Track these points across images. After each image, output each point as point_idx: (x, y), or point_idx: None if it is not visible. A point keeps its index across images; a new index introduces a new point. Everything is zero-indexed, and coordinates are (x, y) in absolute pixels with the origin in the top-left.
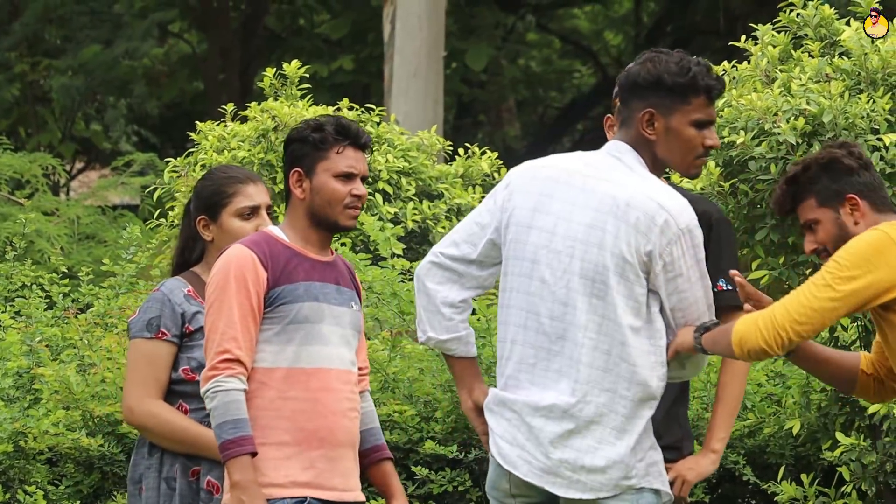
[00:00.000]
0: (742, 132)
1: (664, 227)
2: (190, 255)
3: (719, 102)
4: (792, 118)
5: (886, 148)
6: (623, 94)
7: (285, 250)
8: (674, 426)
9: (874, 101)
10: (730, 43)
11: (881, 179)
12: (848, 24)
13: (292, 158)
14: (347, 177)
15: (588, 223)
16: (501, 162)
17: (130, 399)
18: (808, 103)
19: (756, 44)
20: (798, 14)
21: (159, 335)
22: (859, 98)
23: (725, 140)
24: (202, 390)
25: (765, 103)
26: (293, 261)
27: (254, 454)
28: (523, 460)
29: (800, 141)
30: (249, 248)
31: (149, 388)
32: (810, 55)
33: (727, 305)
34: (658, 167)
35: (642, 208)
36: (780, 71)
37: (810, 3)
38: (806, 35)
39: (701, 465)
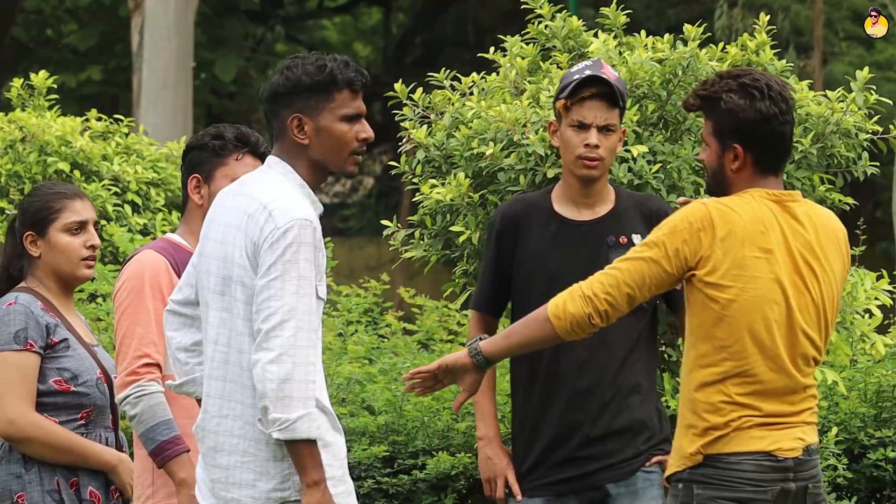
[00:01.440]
0: (491, 143)
1: (263, 226)
2: (16, 272)
3: (468, 113)
4: (541, 129)
5: (634, 159)
6: (269, 107)
7: (189, 256)
8: (663, 421)
9: None
10: (479, 55)
11: (781, 135)
12: (596, 35)
13: (191, 165)
14: None
15: (219, 239)
16: None
17: (11, 411)
18: None
19: (505, 55)
20: (546, 26)
21: (28, 347)
22: None
23: (475, 151)
24: (121, 395)
25: (514, 115)
26: None
27: (188, 451)
28: (204, 484)
29: (549, 152)
30: (160, 254)
31: (27, 400)
32: (559, 67)
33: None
34: (316, 171)
35: (250, 211)
36: (529, 82)
37: (558, 15)
38: (554, 47)
39: None
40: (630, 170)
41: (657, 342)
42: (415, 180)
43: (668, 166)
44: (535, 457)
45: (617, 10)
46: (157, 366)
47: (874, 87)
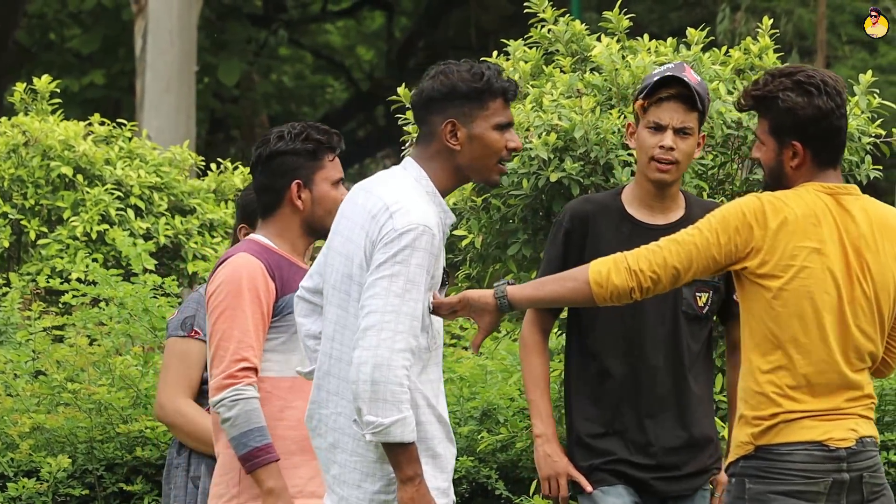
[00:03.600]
0: None
1: (383, 226)
2: None
3: None
4: (544, 133)
5: (637, 162)
6: (419, 112)
7: (282, 259)
8: (717, 435)
9: (625, 117)
10: (482, 58)
11: (838, 129)
12: (599, 39)
13: (285, 170)
14: (338, 183)
15: (346, 236)
16: None
17: (162, 396)
18: (559, 118)
19: (508, 59)
20: (549, 30)
21: (192, 334)
22: (610, 113)
23: None
24: (217, 397)
25: (517, 118)
26: (291, 270)
27: (278, 460)
28: (325, 481)
29: (552, 156)
30: (256, 258)
31: (179, 386)
32: (562, 71)
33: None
34: (457, 177)
35: (374, 211)
36: (532, 86)
37: (561, 19)
38: (557, 51)
39: None
40: (633, 174)
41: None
42: None
43: None
44: (600, 463)
45: (620, 13)
46: (255, 370)
47: (877, 91)
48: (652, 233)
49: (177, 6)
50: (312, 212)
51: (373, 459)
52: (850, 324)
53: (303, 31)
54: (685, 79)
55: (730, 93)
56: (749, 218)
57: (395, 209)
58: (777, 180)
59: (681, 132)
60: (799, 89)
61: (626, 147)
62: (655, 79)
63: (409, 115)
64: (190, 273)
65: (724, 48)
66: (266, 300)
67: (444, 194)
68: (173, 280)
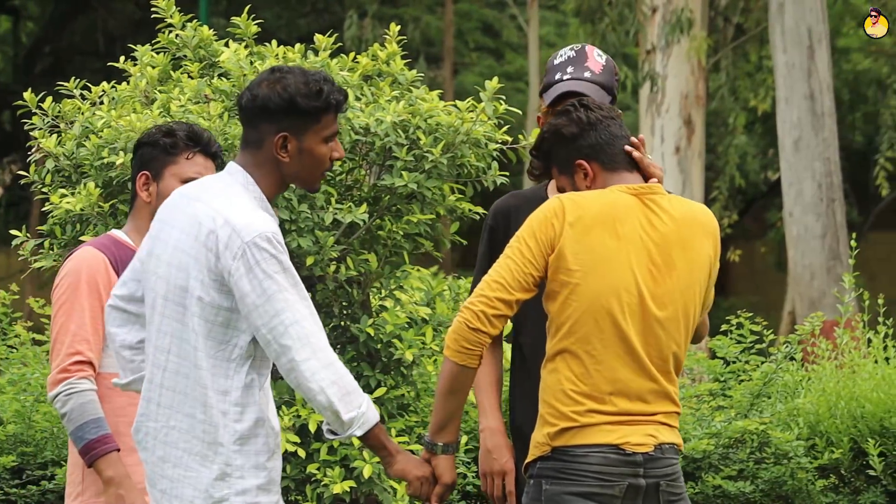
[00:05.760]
0: (122, 153)
1: (228, 242)
2: None
3: (99, 123)
4: None
5: None
6: (249, 115)
7: (132, 254)
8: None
9: None
10: (109, 64)
11: (611, 135)
12: (227, 45)
13: (141, 162)
14: (191, 181)
15: (174, 245)
16: None
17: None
18: None
19: (135, 65)
20: (177, 35)
21: None
22: (238, 119)
23: (105, 161)
24: (52, 393)
25: (144, 124)
26: None
27: (118, 450)
28: (152, 496)
29: None
30: (100, 252)
31: None
32: (190, 76)
33: None
34: (283, 185)
35: (211, 225)
36: (160, 92)
37: (189, 24)
38: (185, 56)
39: None
40: None
41: None
42: (44, 190)
43: None
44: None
45: (248, 19)
46: (90, 363)
47: (504, 98)
48: None
49: None
50: (158, 205)
51: (206, 474)
52: (653, 323)
53: None
54: (582, 90)
55: (357, 99)
56: (549, 216)
57: (235, 221)
58: None
59: None
60: (559, 114)
61: None
62: (556, 81)
63: (36, 119)
64: None
65: (351, 54)
66: (107, 294)
67: (270, 200)
68: None
